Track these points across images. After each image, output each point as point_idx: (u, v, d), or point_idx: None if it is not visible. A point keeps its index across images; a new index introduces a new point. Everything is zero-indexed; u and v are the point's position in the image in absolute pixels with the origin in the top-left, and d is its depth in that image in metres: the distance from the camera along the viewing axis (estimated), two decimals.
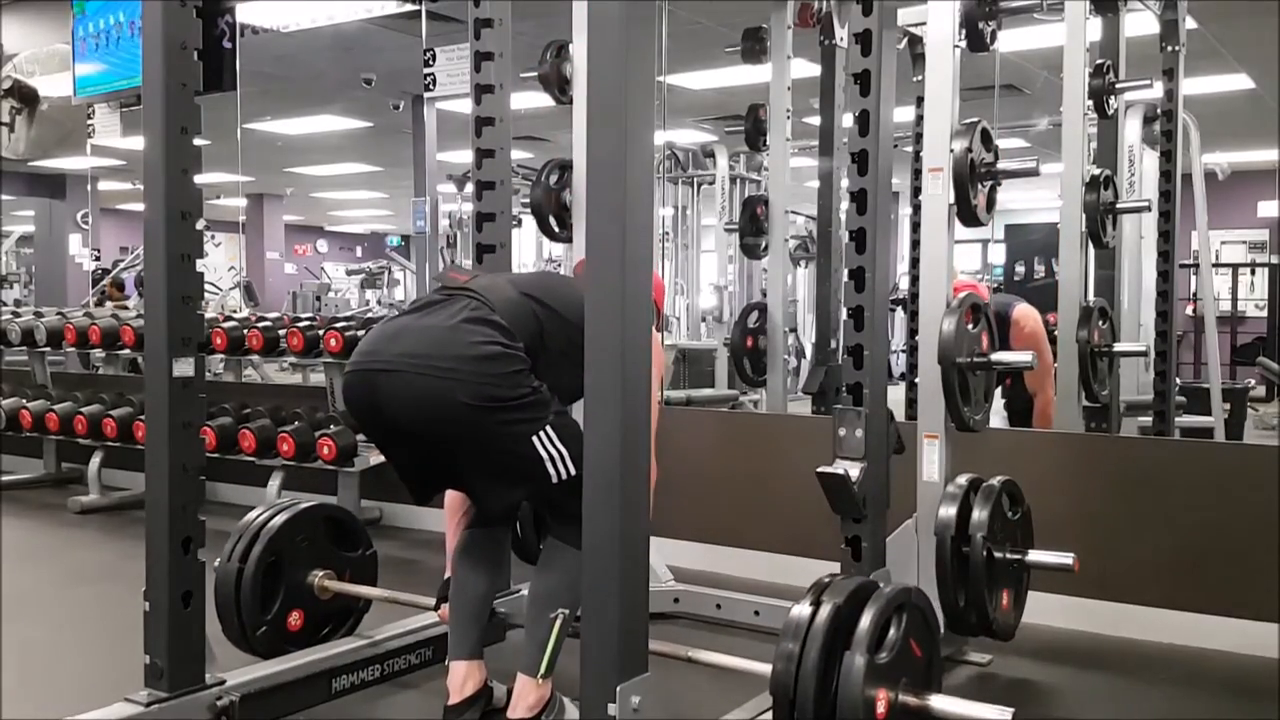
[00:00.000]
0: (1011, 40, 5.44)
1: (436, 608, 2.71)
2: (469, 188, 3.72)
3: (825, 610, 2.08)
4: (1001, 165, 2.99)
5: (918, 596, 2.19)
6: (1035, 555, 2.93)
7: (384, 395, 2.35)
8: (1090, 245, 4.11)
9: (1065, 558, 2.85)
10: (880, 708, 2.02)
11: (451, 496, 2.69)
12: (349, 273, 17.28)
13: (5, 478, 5.88)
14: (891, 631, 2.08)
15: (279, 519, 2.89)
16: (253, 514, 2.92)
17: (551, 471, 2.35)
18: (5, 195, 12.12)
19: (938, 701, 2.12)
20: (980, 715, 2.10)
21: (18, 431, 5.64)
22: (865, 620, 2.05)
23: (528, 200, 3.45)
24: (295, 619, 2.89)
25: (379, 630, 2.98)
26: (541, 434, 2.34)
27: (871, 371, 2.73)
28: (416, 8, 6.32)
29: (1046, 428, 4.43)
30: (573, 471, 2.34)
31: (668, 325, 8.35)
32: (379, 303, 14.22)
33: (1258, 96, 8.92)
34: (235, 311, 8.41)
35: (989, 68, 3.60)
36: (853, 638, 2.04)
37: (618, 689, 1.84)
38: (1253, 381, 8.07)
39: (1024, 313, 4.64)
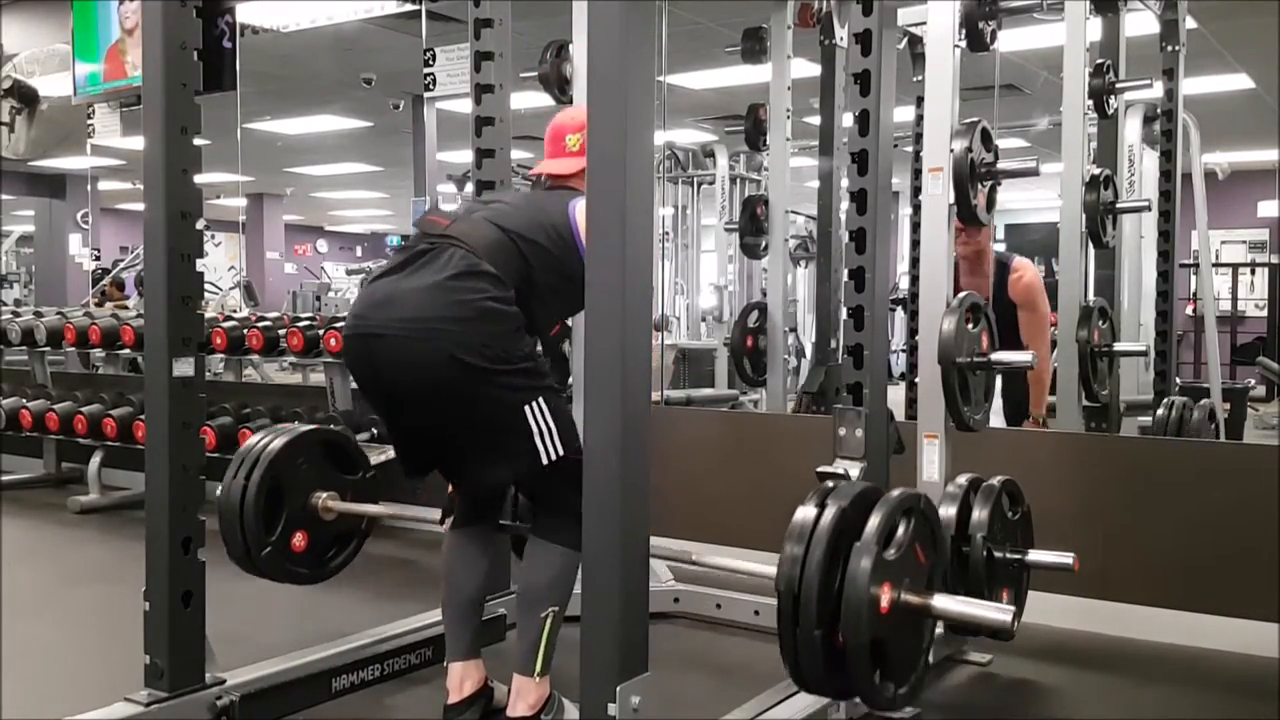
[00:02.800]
0: (1011, 40, 5.44)
1: (441, 521, 2.71)
2: (469, 188, 3.72)
3: (832, 511, 2.08)
4: (1001, 165, 2.98)
5: (925, 504, 2.19)
6: (1035, 555, 2.93)
7: (382, 360, 2.35)
8: (1090, 245, 4.11)
9: (1065, 557, 2.85)
10: (884, 602, 2.02)
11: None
12: (349, 272, 17.27)
13: (5, 478, 5.88)
14: (899, 532, 2.09)
15: (278, 442, 2.86)
16: (250, 440, 2.90)
17: (541, 449, 2.35)
18: (5, 195, 12.12)
19: (940, 600, 2.13)
20: (982, 614, 2.10)
21: (18, 431, 5.63)
22: (874, 519, 2.05)
23: None
24: (299, 540, 2.86)
25: (379, 630, 2.98)
26: (533, 405, 2.35)
27: (871, 371, 2.73)
28: (416, 8, 6.31)
29: (1042, 384, 4.40)
30: (561, 452, 2.36)
31: (668, 325, 8.35)
32: None
33: (1258, 96, 8.92)
34: (235, 311, 8.40)
35: (989, 68, 3.60)
36: (860, 536, 2.04)
37: (618, 689, 1.84)
38: (1253, 381, 8.08)
39: (1023, 262, 4.61)
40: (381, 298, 2.39)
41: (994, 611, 2.09)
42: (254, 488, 2.77)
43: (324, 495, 2.91)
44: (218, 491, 2.77)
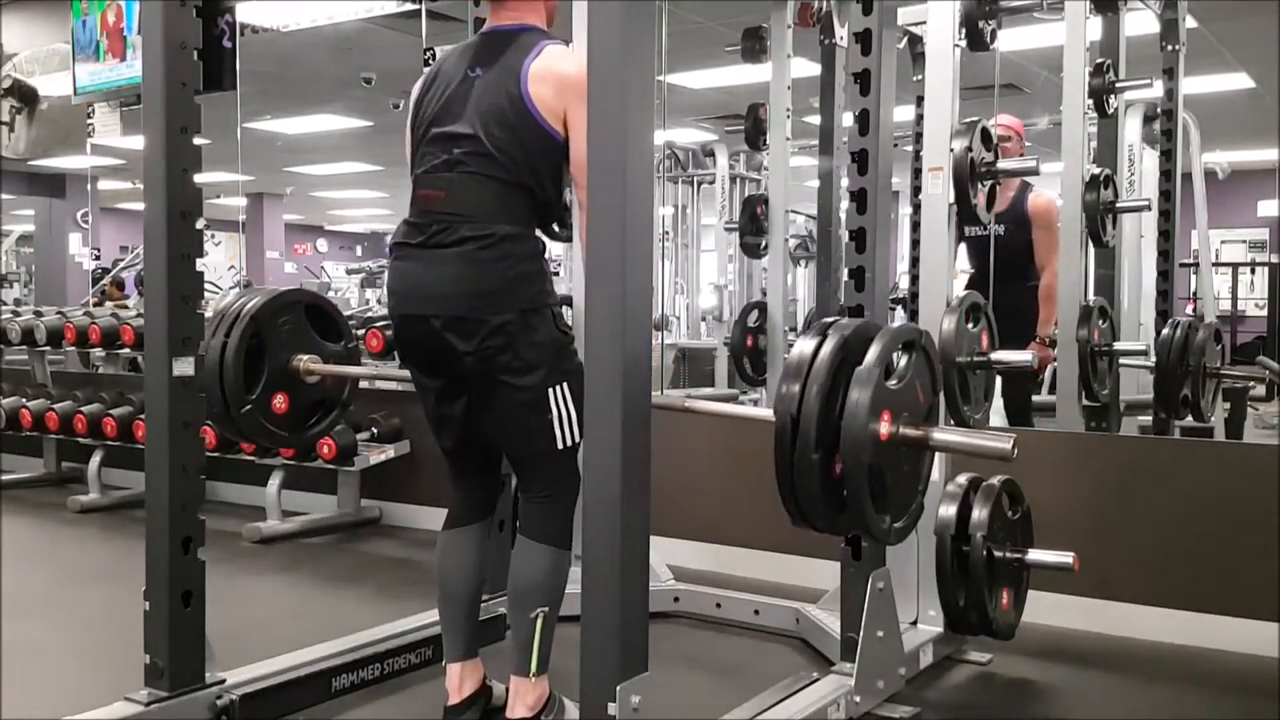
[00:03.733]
0: (1011, 40, 5.43)
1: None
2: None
3: (832, 341, 2.06)
4: (1001, 164, 2.99)
5: (926, 340, 2.18)
6: (1035, 555, 2.93)
7: (428, 337, 2.38)
8: (1090, 245, 4.11)
9: (1065, 557, 2.85)
10: (884, 430, 2.00)
11: None
12: (349, 272, 17.24)
13: (5, 477, 5.88)
14: (901, 364, 2.07)
15: (258, 300, 2.84)
16: (231, 297, 2.88)
17: (558, 433, 2.39)
18: (5, 195, 12.11)
19: (939, 433, 2.12)
20: (982, 443, 2.09)
21: (18, 431, 5.63)
22: (875, 348, 2.03)
23: None
24: (280, 401, 2.85)
25: (379, 629, 2.98)
26: (558, 388, 2.38)
27: None
28: (416, 7, 6.31)
29: (1051, 304, 4.37)
30: (577, 439, 2.38)
31: (668, 325, 8.35)
32: (379, 302, 14.20)
33: (1258, 96, 8.91)
34: None
35: (989, 67, 3.60)
36: (861, 362, 2.02)
37: (618, 689, 1.84)
38: (1253, 381, 8.06)
39: (1038, 191, 4.60)
40: (416, 282, 2.41)
41: (993, 440, 2.07)
42: (234, 344, 2.75)
43: (305, 358, 2.88)
44: (202, 347, 2.68)
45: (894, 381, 2.04)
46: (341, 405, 3.01)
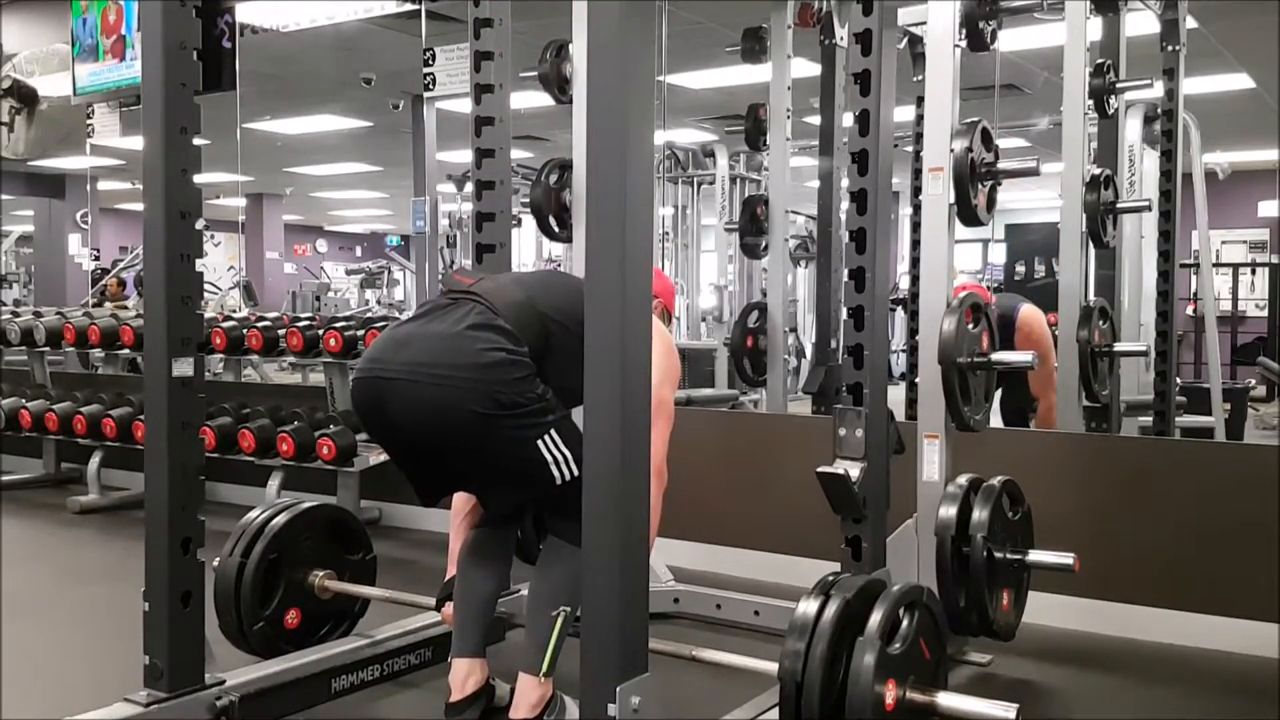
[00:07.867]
0: (1011, 40, 5.43)
1: (438, 608, 2.71)
2: (469, 187, 3.72)
3: (835, 604, 2.09)
4: (1002, 165, 2.98)
5: (928, 597, 2.20)
6: (1035, 555, 2.93)
7: (390, 403, 2.36)
8: (1090, 245, 4.11)
9: (1065, 558, 2.85)
10: (889, 699, 2.01)
11: (458, 498, 2.70)
12: (348, 272, 17.28)
13: (5, 478, 5.88)
14: (903, 625, 2.09)
15: (282, 518, 2.89)
16: (255, 512, 2.92)
17: (556, 474, 2.37)
18: (5, 195, 12.11)
19: (945, 698, 2.12)
20: (986, 712, 2.10)
21: (17, 431, 5.63)
22: (877, 613, 2.05)
23: (528, 200, 3.46)
24: (293, 617, 2.89)
25: (379, 630, 2.98)
26: (546, 438, 2.36)
27: (871, 371, 2.73)
28: (416, 8, 6.31)
29: (1050, 429, 4.42)
30: (576, 473, 2.35)
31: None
32: (378, 302, 14.23)
33: (1258, 96, 8.91)
34: (235, 311, 8.41)
35: (989, 68, 3.60)
36: (864, 630, 2.04)
37: (618, 689, 1.84)
38: (1253, 381, 8.08)
39: (1029, 315, 4.62)
40: (398, 340, 2.43)
41: (999, 709, 2.10)
42: (253, 563, 2.80)
43: (321, 574, 2.93)
44: (215, 561, 2.78)
45: (897, 646, 2.06)
46: (354, 616, 3.04)
